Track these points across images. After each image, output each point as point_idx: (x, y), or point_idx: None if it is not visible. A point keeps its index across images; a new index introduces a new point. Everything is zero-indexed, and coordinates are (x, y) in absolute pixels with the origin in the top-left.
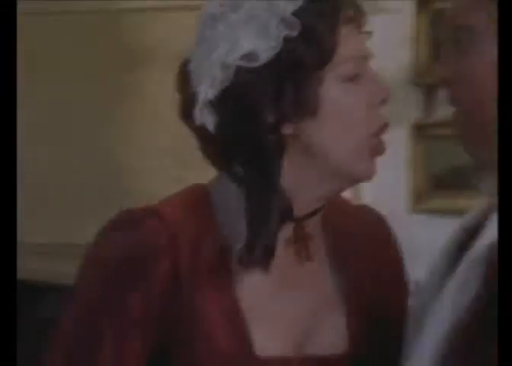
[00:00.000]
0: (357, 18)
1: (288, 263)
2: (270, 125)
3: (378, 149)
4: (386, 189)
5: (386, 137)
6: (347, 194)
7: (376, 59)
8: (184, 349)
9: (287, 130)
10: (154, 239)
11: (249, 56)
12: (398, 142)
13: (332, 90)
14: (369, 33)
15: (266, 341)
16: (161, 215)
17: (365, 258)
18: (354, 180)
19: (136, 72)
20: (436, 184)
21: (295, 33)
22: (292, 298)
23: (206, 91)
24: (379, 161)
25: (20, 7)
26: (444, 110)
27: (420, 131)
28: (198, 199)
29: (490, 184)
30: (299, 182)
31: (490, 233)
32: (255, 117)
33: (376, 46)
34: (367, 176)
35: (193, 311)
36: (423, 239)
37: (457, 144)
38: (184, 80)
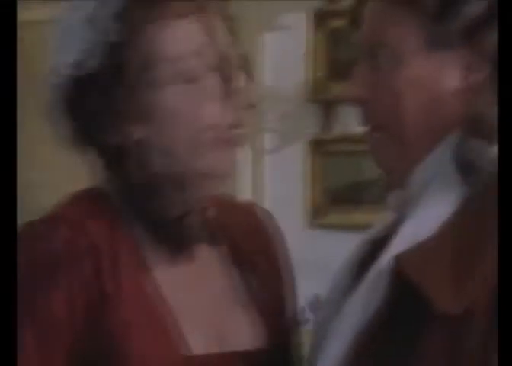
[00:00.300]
0: (199, 9)
1: (191, 261)
2: (110, 131)
3: (231, 143)
4: (284, 204)
5: (284, 152)
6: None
7: (275, 75)
8: (110, 352)
9: (134, 135)
10: (72, 244)
11: (75, 65)
12: (296, 157)
13: (168, 92)
14: (230, 18)
15: (191, 339)
16: (70, 219)
17: (259, 251)
18: (215, 177)
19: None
20: (333, 200)
21: (121, 39)
22: (203, 295)
23: (52, 98)
24: (278, 176)
25: None
26: (341, 127)
27: (318, 147)
28: (95, 200)
29: (398, 198)
30: (170, 183)
31: (395, 245)
32: (94, 124)
33: (274, 63)
34: (226, 172)
35: (118, 313)
36: (320, 254)
37: (353, 160)
38: None
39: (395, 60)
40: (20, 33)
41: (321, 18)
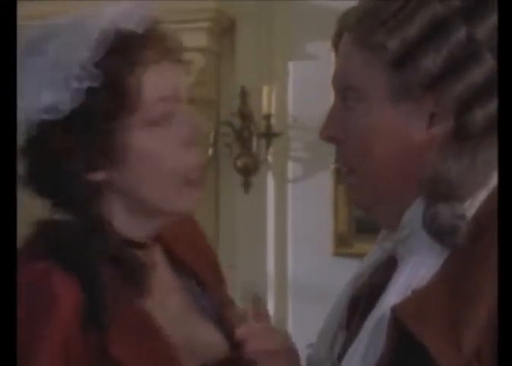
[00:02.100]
0: (169, 53)
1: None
2: (79, 173)
3: (194, 185)
4: (309, 232)
5: (309, 181)
6: None
7: (300, 104)
8: None
9: (99, 176)
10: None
11: (50, 109)
12: (321, 186)
13: (139, 136)
14: (188, 62)
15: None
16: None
17: (201, 260)
18: (176, 214)
19: None
20: (357, 228)
21: (97, 85)
22: (171, 314)
23: (20, 137)
24: (302, 205)
25: None
26: None
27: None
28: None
29: (390, 238)
30: (133, 217)
31: (391, 294)
32: (63, 166)
33: (299, 92)
34: (186, 212)
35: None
36: (343, 282)
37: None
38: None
39: (362, 104)
40: None
41: None
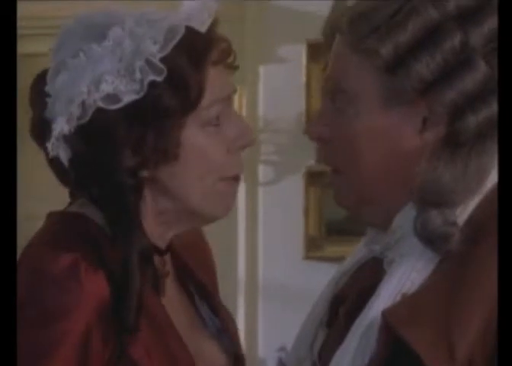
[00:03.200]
0: (225, 56)
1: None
2: (128, 168)
3: (231, 193)
4: (280, 236)
5: (280, 184)
6: None
7: (271, 107)
8: None
9: (145, 173)
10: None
11: (110, 97)
12: (292, 189)
13: (193, 136)
14: (237, 67)
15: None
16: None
17: (203, 269)
18: (209, 219)
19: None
20: (329, 232)
21: (160, 79)
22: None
23: (62, 125)
24: (273, 208)
25: None
26: None
27: (313, 179)
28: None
29: (378, 240)
30: (160, 220)
31: (382, 298)
32: (112, 158)
33: (270, 95)
34: (220, 216)
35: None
36: (313, 286)
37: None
38: (38, 99)
39: (352, 107)
40: (20, 67)
41: (317, 50)
